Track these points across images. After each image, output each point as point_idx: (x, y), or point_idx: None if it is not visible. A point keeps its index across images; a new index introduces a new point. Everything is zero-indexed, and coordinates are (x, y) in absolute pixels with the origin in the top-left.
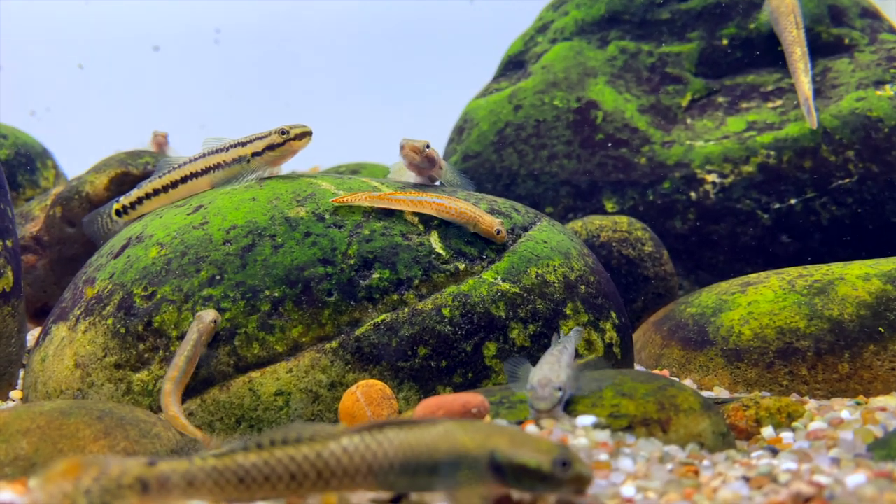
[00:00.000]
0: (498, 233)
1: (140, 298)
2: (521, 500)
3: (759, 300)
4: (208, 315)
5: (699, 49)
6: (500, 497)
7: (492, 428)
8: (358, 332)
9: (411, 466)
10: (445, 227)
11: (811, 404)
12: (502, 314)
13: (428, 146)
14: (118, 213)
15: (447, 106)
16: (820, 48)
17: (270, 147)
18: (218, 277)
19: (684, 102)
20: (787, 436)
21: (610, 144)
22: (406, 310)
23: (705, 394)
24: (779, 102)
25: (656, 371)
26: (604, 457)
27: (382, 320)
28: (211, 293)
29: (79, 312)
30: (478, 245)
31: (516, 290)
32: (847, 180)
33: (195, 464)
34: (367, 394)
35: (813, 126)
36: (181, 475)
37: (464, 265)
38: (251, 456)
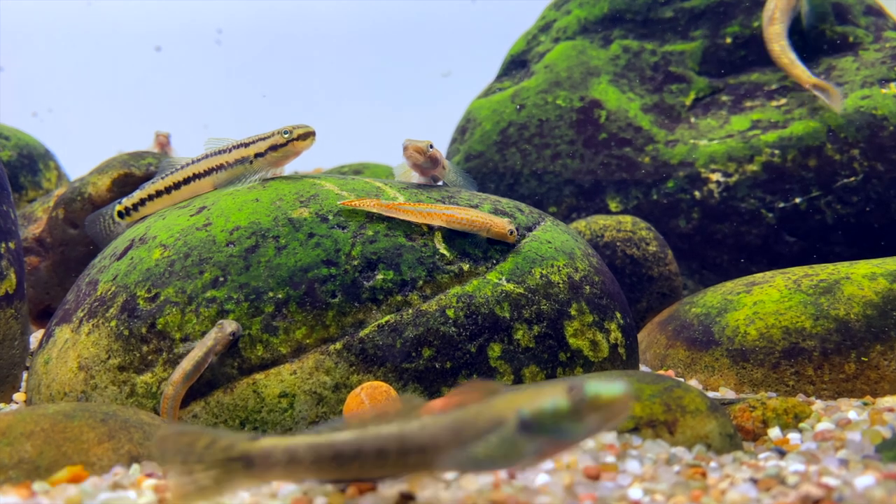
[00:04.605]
0: (511, 233)
1: (143, 300)
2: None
3: (764, 300)
4: (230, 326)
5: (703, 48)
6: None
7: (521, 390)
8: (362, 333)
9: (464, 439)
10: (450, 229)
11: (818, 405)
12: (507, 315)
13: (431, 146)
14: (121, 214)
15: (450, 106)
16: (824, 46)
17: (273, 148)
18: (221, 279)
19: (688, 101)
20: (794, 437)
21: (613, 144)
22: (410, 311)
23: (711, 394)
24: (783, 101)
25: (661, 371)
26: (610, 459)
27: (386, 321)
28: (215, 295)
29: (82, 314)
30: (482, 246)
31: (521, 290)
32: (852, 179)
33: (295, 440)
34: (371, 395)
35: (838, 111)
36: (283, 450)
37: (468, 266)
38: (344, 433)
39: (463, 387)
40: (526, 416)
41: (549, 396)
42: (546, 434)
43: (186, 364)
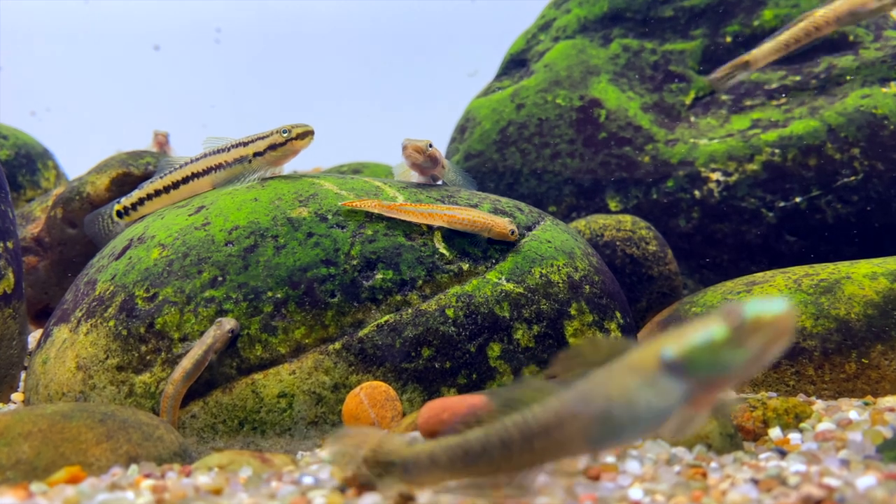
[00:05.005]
0: (512, 233)
1: (142, 300)
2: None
3: None
4: (228, 324)
5: (703, 46)
6: None
7: (658, 338)
8: (361, 333)
9: (594, 408)
10: (450, 229)
11: (818, 405)
12: (506, 314)
13: (430, 146)
14: (119, 214)
15: (449, 105)
16: (824, 45)
17: (272, 147)
18: (220, 279)
19: (688, 100)
20: (794, 437)
21: (613, 143)
22: (409, 311)
23: None
24: (783, 100)
25: None
26: (610, 459)
27: (386, 321)
28: (213, 294)
29: (80, 314)
30: (481, 245)
31: (520, 290)
32: (852, 178)
33: (436, 441)
34: (370, 395)
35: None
36: (427, 454)
37: (467, 265)
38: (475, 431)
39: (582, 343)
40: (671, 355)
41: (701, 329)
42: (699, 372)
43: (187, 362)
